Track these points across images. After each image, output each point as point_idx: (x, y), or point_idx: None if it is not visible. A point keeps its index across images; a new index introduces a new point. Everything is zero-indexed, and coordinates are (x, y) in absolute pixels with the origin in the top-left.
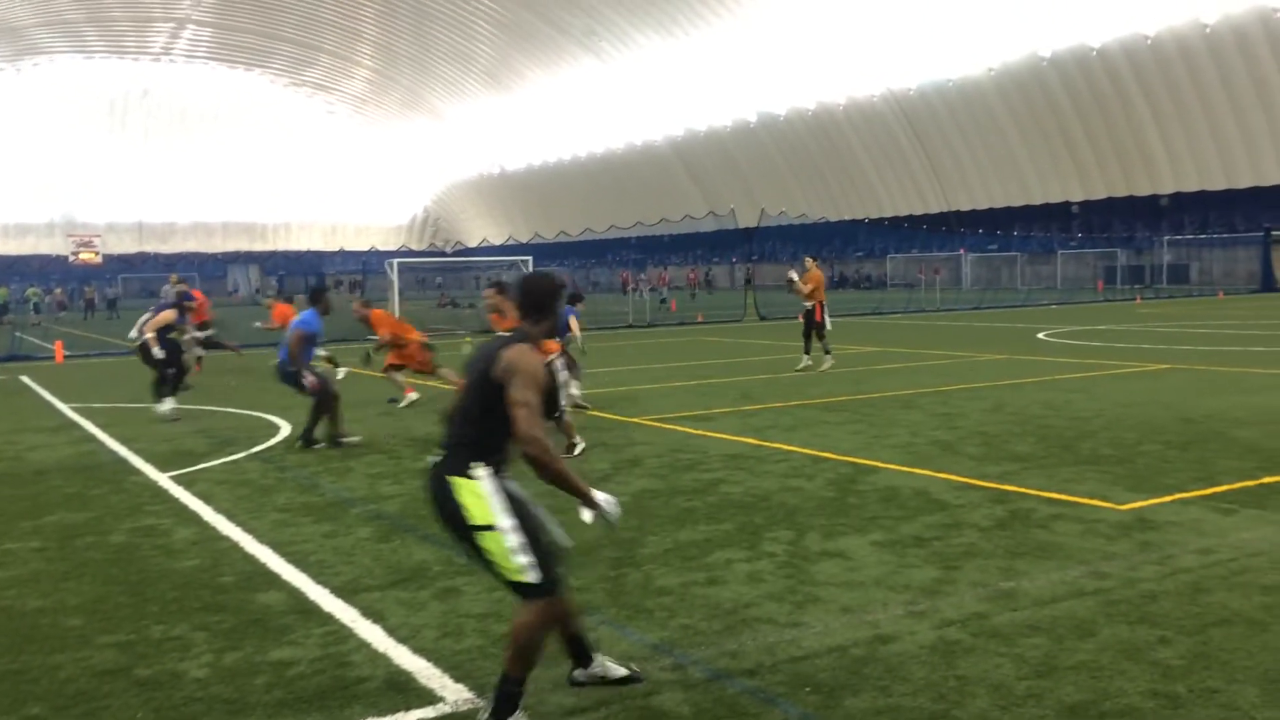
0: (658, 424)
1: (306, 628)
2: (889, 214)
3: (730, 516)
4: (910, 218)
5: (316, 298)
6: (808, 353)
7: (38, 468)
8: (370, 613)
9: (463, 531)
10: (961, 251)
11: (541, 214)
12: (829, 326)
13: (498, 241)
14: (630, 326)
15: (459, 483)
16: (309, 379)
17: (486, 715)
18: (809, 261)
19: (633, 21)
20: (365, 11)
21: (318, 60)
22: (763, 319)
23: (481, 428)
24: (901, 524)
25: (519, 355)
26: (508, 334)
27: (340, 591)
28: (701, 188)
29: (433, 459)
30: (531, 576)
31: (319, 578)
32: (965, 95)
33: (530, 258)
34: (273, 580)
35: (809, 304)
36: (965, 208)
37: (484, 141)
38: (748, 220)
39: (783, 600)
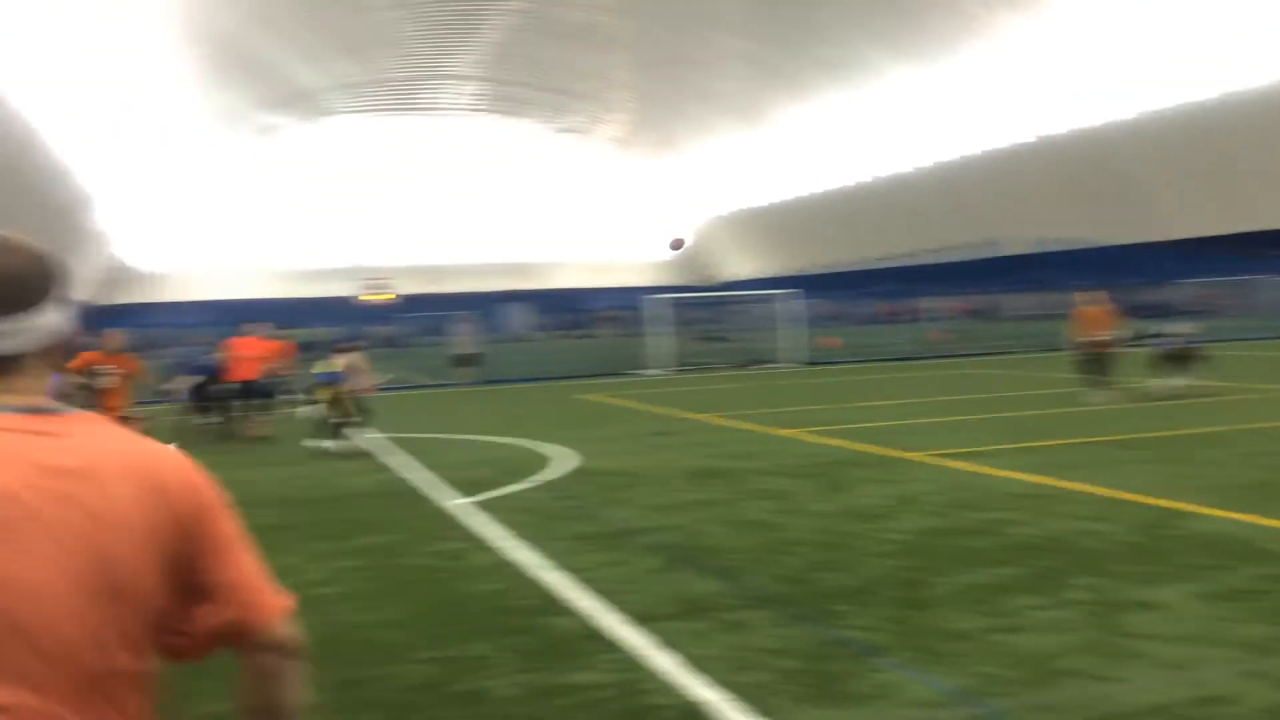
0: (934, 460)
1: (601, 653)
2: (1175, 236)
3: (1022, 560)
4: (1198, 240)
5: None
6: (1097, 387)
7: (352, 492)
8: (661, 642)
9: None
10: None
11: (800, 247)
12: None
13: (757, 275)
14: (900, 359)
15: None
16: None
17: None
18: (1079, 296)
19: (887, 51)
20: (619, 59)
21: (579, 107)
22: (1040, 351)
23: None
24: (1221, 574)
25: None
26: None
27: (631, 619)
28: (965, 215)
29: None
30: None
31: (610, 605)
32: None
33: (793, 290)
34: (565, 606)
35: (1097, 337)
36: (1258, 228)
37: (739, 177)
38: (1018, 247)
39: (1095, 652)
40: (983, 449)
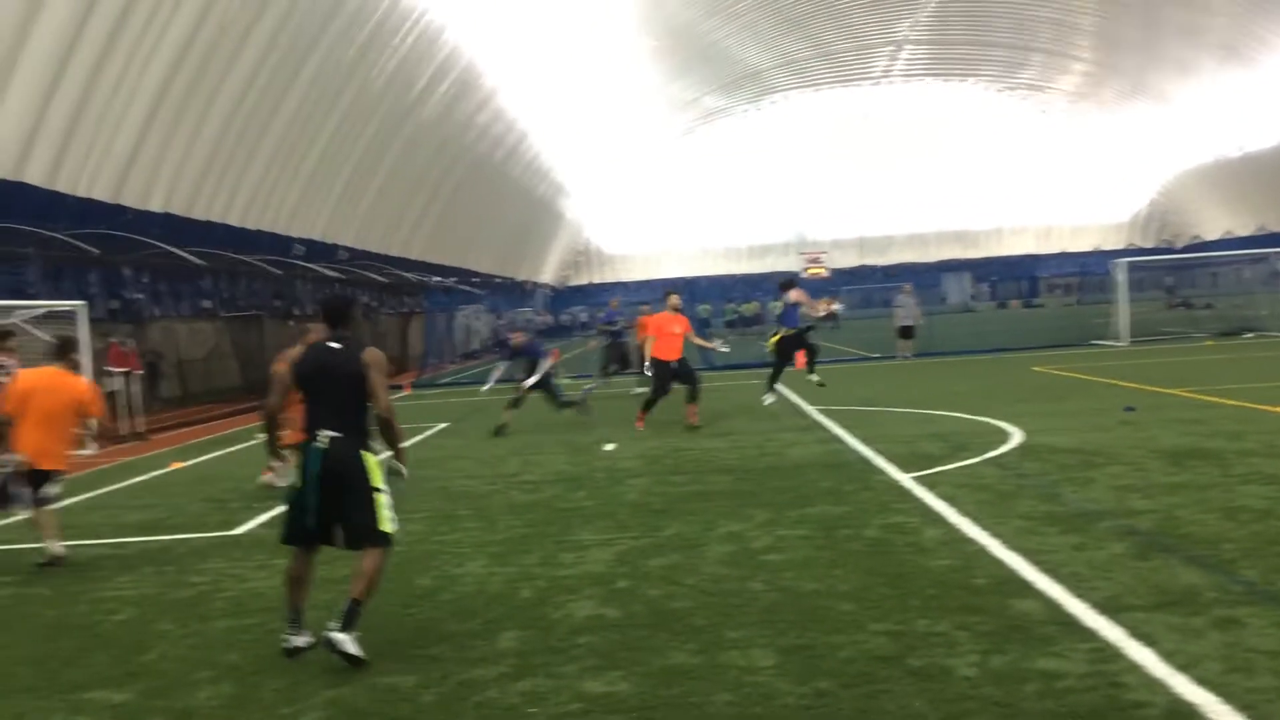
0: None
1: (1070, 641)
2: None
3: None
4: None
5: None
6: None
7: (796, 463)
8: (1138, 634)
9: (362, 487)
10: None
11: None
12: None
13: (1243, 233)
14: None
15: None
16: None
17: (338, 628)
18: None
19: None
20: (1083, 3)
21: (1030, 61)
22: None
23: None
24: None
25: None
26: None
27: (1101, 608)
28: None
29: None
30: (391, 529)
31: (1076, 591)
32: None
33: None
34: (1026, 588)
35: None
36: None
37: (1220, 122)
38: None
39: None
40: None
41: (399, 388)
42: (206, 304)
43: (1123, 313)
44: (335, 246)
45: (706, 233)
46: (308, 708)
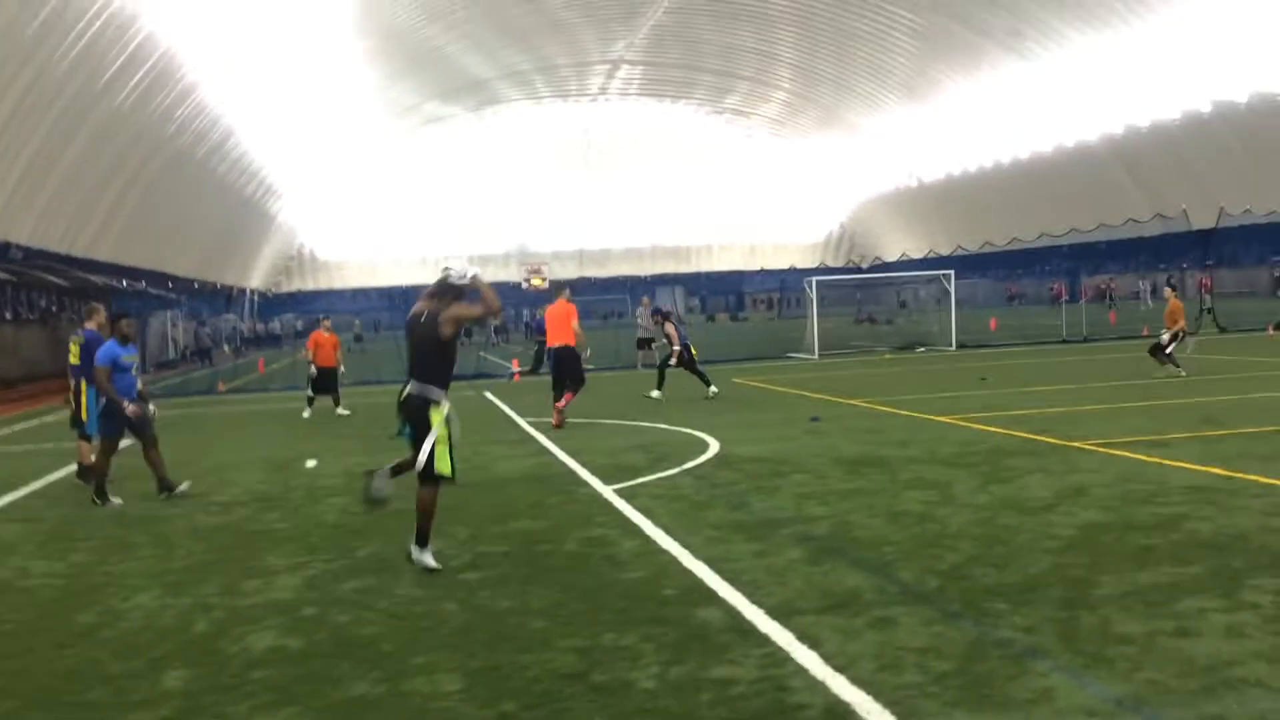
0: (1103, 449)
1: (744, 647)
2: None
3: (1199, 558)
4: None
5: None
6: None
7: (504, 477)
8: (805, 637)
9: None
10: None
11: (963, 225)
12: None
13: (917, 255)
14: (1065, 341)
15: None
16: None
17: (413, 542)
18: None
19: (1063, 17)
20: (784, 36)
21: (737, 87)
22: (1223, 331)
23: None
24: None
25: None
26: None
27: (775, 613)
28: (1144, 189)
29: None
30: (445, 470)
31: (753, 597)
32: None
33: (952, 271)
34: (710, 597)
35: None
36: None
37: (900, 154)
38: (1202, 221)
39: (1275, 660)
40: (1157, 437)
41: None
42: None
43: (814, 327)
44: (6, 244)
45: (426, 241)
46: None
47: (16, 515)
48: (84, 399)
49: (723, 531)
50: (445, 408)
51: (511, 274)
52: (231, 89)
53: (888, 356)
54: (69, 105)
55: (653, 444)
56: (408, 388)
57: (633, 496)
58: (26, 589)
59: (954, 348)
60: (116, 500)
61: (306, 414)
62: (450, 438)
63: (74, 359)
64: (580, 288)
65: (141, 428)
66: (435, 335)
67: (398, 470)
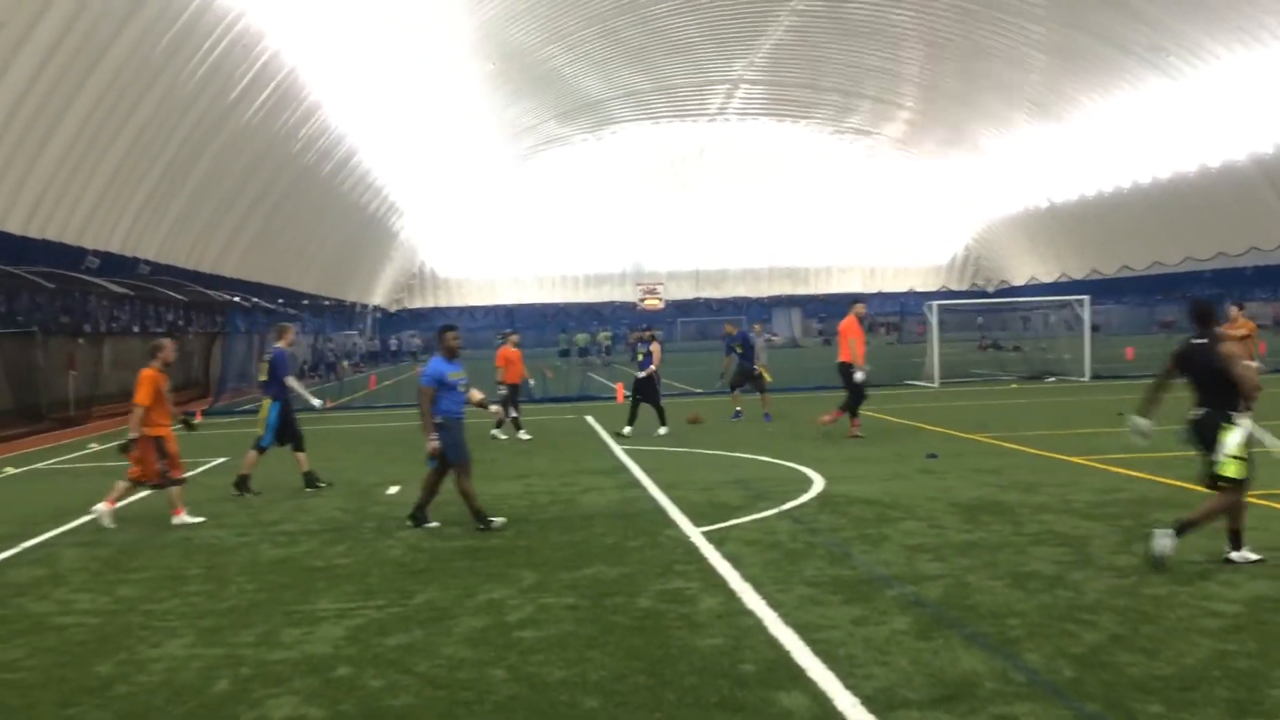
0: (1267, 502)
1: None
2: None
3: None
4: None
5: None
6: None
7: (587, 512)
8: None
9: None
10: None
11: (1097, 248)
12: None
13: (1047, 279)
14: None
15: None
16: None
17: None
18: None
19: (1210, 33)
20: (909, 53)
21: (859, 106)
22: None
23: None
24: None
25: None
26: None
27: (872, 703)
28: None
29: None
30: (1236, 474)
31: (848, 680)
32: None
33: (1087, 297)
34: (796, 676)
35: None
36: None
37: (1030, 175)
38: None
39: None
40: None
41: (191, 415)
42: None
43: (934, 354)
44: (135, 260)
45: (543, 260)
46: None
47: (83, 539)
48: (263, 414)
49: (819, 590)
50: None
51: (627, 294)
52: (355, 107)
53: (1014, 386)
54: (196, 123)
55: (752, 479)
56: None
57: (722, 541)
58: (60, 628)
59: (1088, 378)
60: (434, 524)
61: (525, 435)
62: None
63: (263, 376)
64: (694, 309)
65: (455, 459)
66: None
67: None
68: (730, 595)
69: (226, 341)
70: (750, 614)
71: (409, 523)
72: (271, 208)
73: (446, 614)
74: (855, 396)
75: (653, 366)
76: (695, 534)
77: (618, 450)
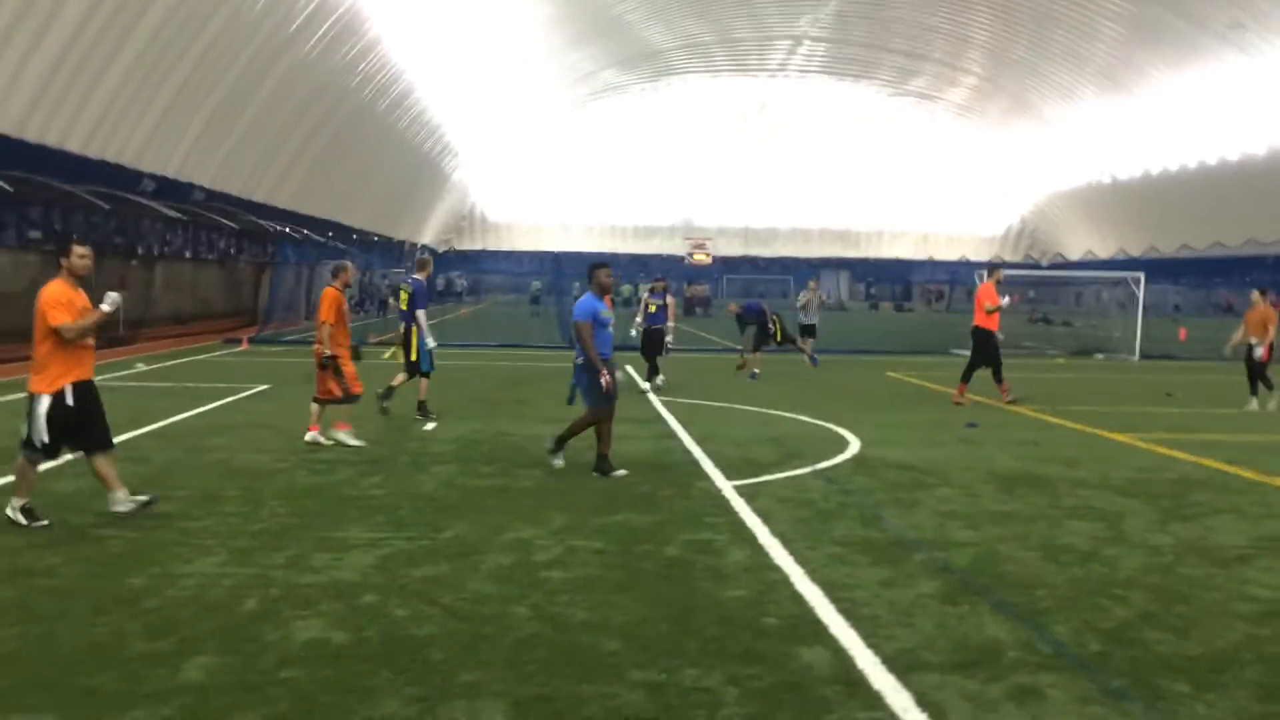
0: None
1: (848, 707)
2: None
3: None
4: None
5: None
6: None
7: (620, 460)
8: (926, 703)
9: None
10: None
11: (1157, 226)
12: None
13: (1104, 255)
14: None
15: None
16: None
17: None
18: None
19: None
20: (979, 18)
21: (923, 69)
22: None
23: None
24: None
25: None
26: None
27: (893, 663)
28: None
29: None
30: None
31: (870, 639)
32: None
33: (1142, 274)
34: (819, 632)
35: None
36: None
37: (1094, 148)
38: None
39: None
40: None
41: (236, 341)
42: (34, 235)
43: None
44: (190, 185)
45: (593, 208)
46: None
47: (127, 454)
48: (414, 340)
49: (847, 549)
50: None
51: (675, 248)
52: (414, 45)
53: (1061, 361)
54: (256, 53)
55: (787, 437)
56: None
57: (754, 496)
58: (98, 539)
59: (1137, 357)
60: (621, 471)
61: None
62: None
63: (403, 305)
64: (741, 266)
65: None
66: None
67: None
68: (758, 549)
69: (276, 271)
70: (777, 569)
71: (595, 475)
72: (327, 141)
73: (474, 550)
74: (986, 361)
75: (670, 323)
76: (727, 487)
77: (655, 400)
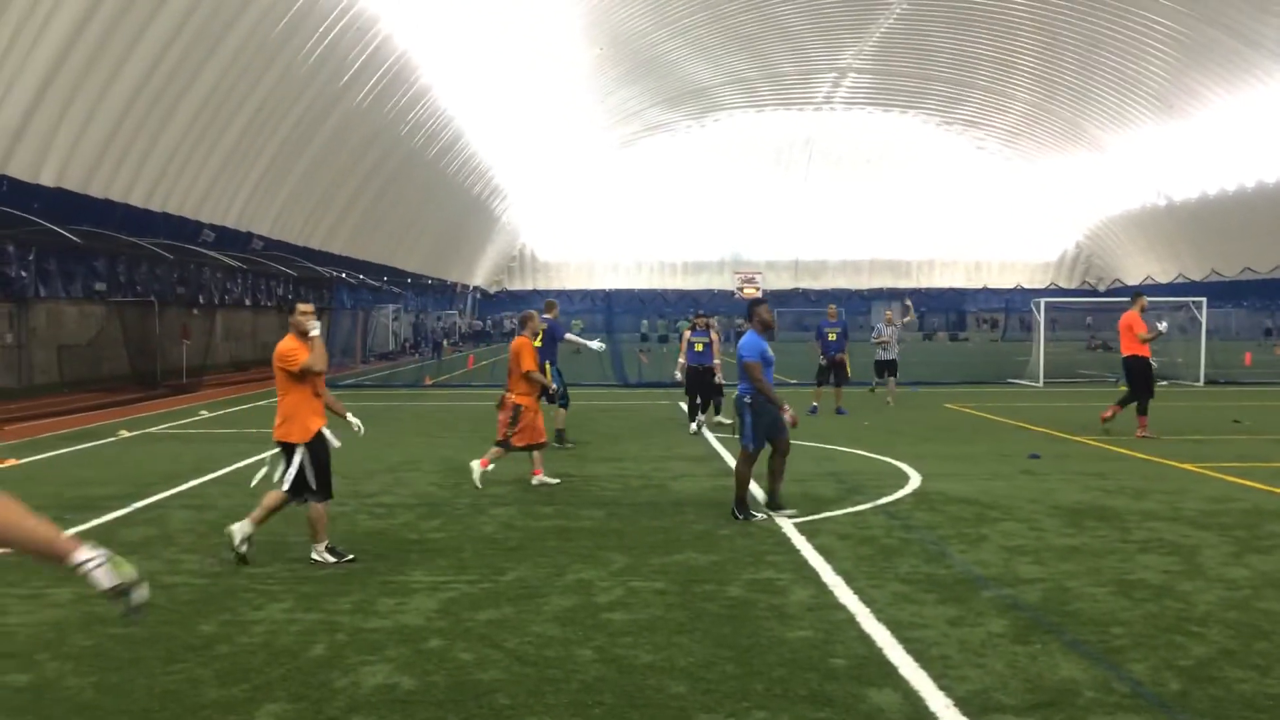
0: None
1: None
2: None
3: None
4: None
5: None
6: None
7: (678, 499)
8: None
9: None
10: None
11: (1218, 249)
12: None
13: (1163, 280)
14: None
15: None
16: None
17: None
18: None
19: None
20: (1024, 45)
21: (970, 97)
22: None
23: None
24: None
25: None
26: None
27: (965, 705)
28: None
29: None
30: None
31: (941, 680)
32: None
33: (1203, 299)
34: (888, 673)
35: None
36: None
37: (1147, 170)
38: None
39: None
40: None
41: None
42: (100, 286)
43: (1040, 352)
44: (249, 235)
45: (642, 245)
46: None
47: (192, 501)
48: (548, 375)
49: (913, 588)
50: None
51: (725, 282)
52: (462, 92)
53: (1123, 388)
54: (310, 105)
55: (847, 473)
56: None
57: (815, 534)
58: (168, 586)
59: (1201, 383)
60: (760, 515)
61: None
62: None
63: (537, 343)
64: (792, 299)
65: (763, 439)
66: None
67: None
68: (822, 588)
69: (332, 316)
70: (842, 608)
71: (766, 513)
72: (380, 188)
73: (536, 592)
74: (1141, 391)
75: (716, 361)
76: (787, 525)
77: (710, 437)
